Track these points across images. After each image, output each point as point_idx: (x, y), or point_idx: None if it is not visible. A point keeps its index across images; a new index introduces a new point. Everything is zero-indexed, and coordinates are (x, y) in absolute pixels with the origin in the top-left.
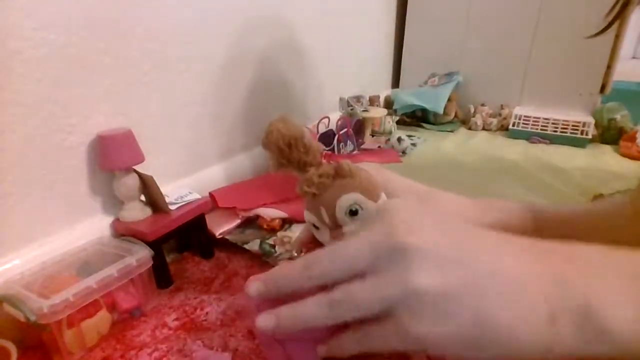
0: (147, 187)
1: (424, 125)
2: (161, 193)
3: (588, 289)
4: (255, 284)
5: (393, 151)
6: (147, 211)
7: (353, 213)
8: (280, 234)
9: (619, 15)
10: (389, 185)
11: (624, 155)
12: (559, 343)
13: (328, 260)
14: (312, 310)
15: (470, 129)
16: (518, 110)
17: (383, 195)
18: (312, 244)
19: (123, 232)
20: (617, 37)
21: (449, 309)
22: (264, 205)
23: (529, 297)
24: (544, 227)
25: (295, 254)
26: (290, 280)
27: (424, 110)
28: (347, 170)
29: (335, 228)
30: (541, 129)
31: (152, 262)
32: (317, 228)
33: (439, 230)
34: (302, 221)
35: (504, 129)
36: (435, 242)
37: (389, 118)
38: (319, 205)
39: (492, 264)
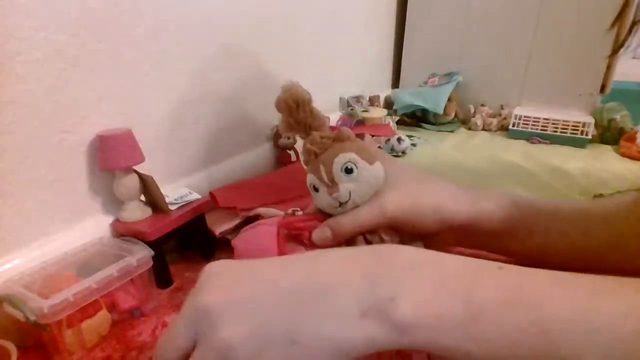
0: (147, 187)
1: (424, 125)
2: (161, 193)
3: (396, 283)
4: None
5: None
6: (147, 211)
7: (348, 171)
8: None
9: (631, 31)
10: (390, 168)
11: (624, 155)
12: (373, 338)
13: (160, 350)
14: None
15: (470, 129)
16: (518, 111)
17: (379, 163)
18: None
19: (123, 232)
20: (617, 37)
21: (262, 348)
22: (264, 205)
23: (339, 296)
24: (534, 221)
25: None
26: None
27: (424, 111)
28: (347, 135)
29: (332, 184)
30: (541, 129)
31: (152, 262)
32: (316, 191)
33: (236, 284)
34: None
35: (504, 129)
36: (229, 295)
37: (389, 118)
38: (318, 164)
39: (294, 281)
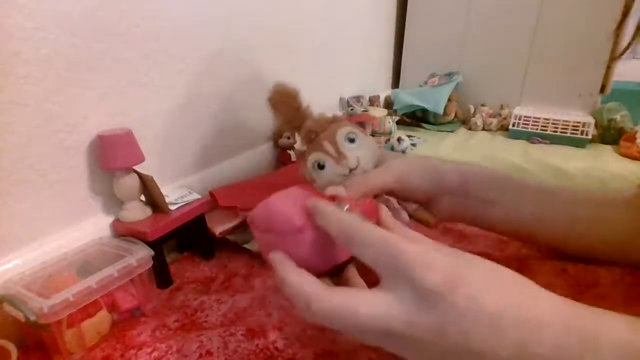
0: (147, 187)
1: (424, 125)
2: (161, 193)
3: None
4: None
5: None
6: (147, 211)
7: (351, 140)
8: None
9: (636, 35)
10: (381, 150)
11: (624, 155)
12: None
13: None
14: None
15: (470, 129)
16: (518, 111)
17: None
18: None
19: (123, 232)
20: (617, 37)
21: None
22: None
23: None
24: (526, 201)
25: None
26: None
27: (424, 111)
28: (340, 117)
29: (339, 155)
30: (541, 129)
31: (152, 262)
32: (321, 168)
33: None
34: None
35: (504, 129)
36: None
37: (389, 118)
38: (321, 141)
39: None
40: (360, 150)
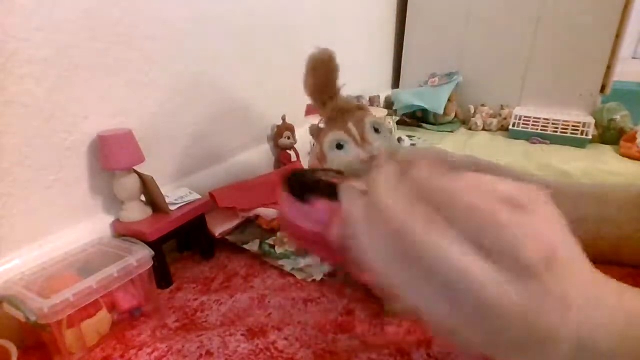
0: (147, 187)
1: (424, 125)
2: (161, 193)
3: None
4: None
5: None
6: (147, 211)
7: (376, 130)
8: (280, 234)
9: None
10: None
11: (624, 155)
12: None
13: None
14: None
15: (470, 129)
16: (518, 111)
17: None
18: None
19: (123, 232)
20: (617, 37)
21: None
22: (264, 205)
23: None
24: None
25: None
26: None
27: (424, 111)
28: (365, 105)
29: (363, 140)
30: (541, 129)
31: (152, 262)
32: (340, 148)
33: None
34: None
35: (504, 129)
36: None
37: (389, 118)
38: (346, 122)
39: None
40: (381, 141)
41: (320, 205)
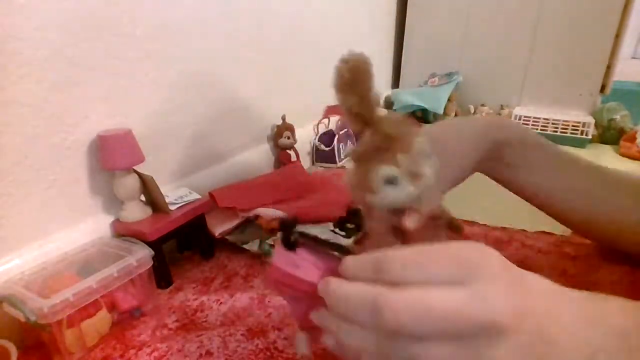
0: (147, 187)
1: (424, 125)
2: (161, 193)
3: None
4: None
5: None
6: (147, 211)
7: (427, 156)
8: (280, 234)
9: None
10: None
11: (624, 155)
12: None
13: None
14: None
15: None
16: (518, 111)
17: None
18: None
19: (123, 232)
20: (617, 37)
21: None
22: (264, 205)
23: None
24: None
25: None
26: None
27: (424, 111)
28: (411, 122)
29: (415, 175)
30: (541, 129)
31: (152, 262)
32: (389, 183)
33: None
34: (302, 221)
35: None
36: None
37: None
38: (395, 152)
39: None
40: (431, 169)
41: (311, 258)
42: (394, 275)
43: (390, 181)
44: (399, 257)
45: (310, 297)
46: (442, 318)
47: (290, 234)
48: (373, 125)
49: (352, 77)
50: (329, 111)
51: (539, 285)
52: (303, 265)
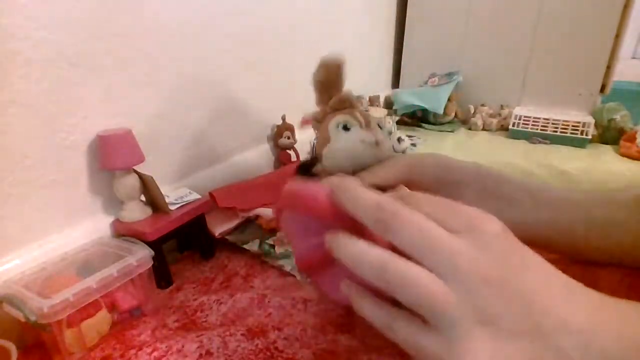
0: (147, 187)
1: (424, 125)
2: (161, 193)
3: None
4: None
5: None
6: (147, 211)
7: (379, 127)
8: (280, 234)
9: None
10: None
11: (624, 155)
12: None
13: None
14: (362, 261)
15: (470, 129)
16: (518, 111)
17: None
18: None
19: (123, 232)
20: (617, 37)
21: None
22: (264, 205)
23: None
24: (542, 205)
25: None
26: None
27: (424, 111)
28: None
29: (369, 125)
30: (541, 129)
31: (152, 262)
32: (345, 129)
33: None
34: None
35: (504, 129)
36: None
37: (389, 118)
38: (355, 111)
39: None
40: (384, 137)
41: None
42: (409, 202)
43: (346, 127)
44: (417, 193)
45: (317, 218)
46: (429, 246)
47: (310, 167)
48: (336, 96)
49: (329, 63)
50: (305, 122)
51: (533, 259)
52: (314, 186)
